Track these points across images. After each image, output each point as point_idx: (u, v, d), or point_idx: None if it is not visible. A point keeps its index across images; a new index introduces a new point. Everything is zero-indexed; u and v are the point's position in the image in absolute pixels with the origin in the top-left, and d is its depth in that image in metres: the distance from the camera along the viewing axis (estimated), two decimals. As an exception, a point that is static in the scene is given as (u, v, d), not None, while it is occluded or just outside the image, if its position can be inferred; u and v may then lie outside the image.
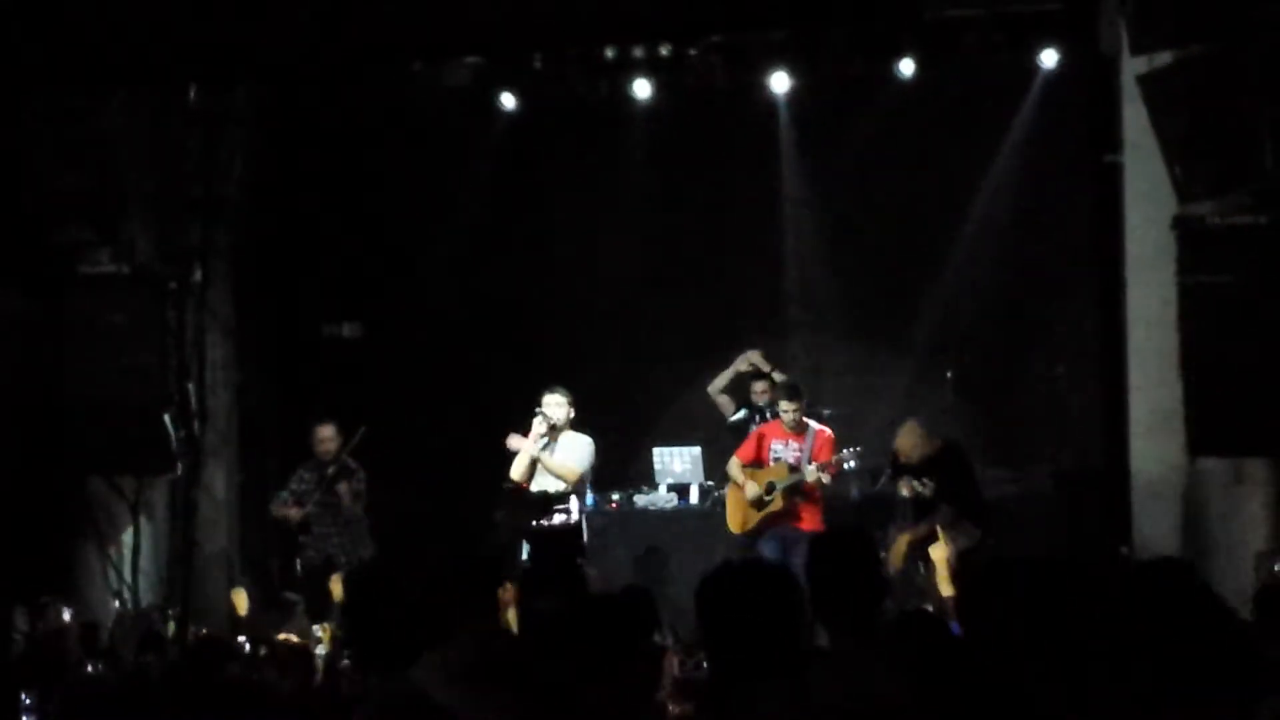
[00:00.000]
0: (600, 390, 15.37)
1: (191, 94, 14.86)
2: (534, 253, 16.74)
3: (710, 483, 15.33)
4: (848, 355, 16.21)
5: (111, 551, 14.63)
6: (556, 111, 16.07)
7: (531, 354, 16.22)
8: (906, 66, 14.92)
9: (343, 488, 14.44)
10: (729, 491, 14.14)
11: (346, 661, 9.83)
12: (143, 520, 14.73)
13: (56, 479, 14.37)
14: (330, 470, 14.55)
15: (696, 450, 15.64)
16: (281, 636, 12.42)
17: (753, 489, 13.70)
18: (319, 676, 9.97)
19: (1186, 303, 12.19)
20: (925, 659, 5.25)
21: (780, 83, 15.43)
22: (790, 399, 13.83)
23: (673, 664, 10.31)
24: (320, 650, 12.09)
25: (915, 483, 13.62)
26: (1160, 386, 12.88)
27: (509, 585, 13.28)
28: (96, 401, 14.05)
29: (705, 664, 6.11)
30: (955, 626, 5.56)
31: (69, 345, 14.18)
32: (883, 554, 13.20)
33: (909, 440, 13.77)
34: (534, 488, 13.31)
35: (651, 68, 15.45)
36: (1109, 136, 13.85)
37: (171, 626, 13.62)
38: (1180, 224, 12.25)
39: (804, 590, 5.18)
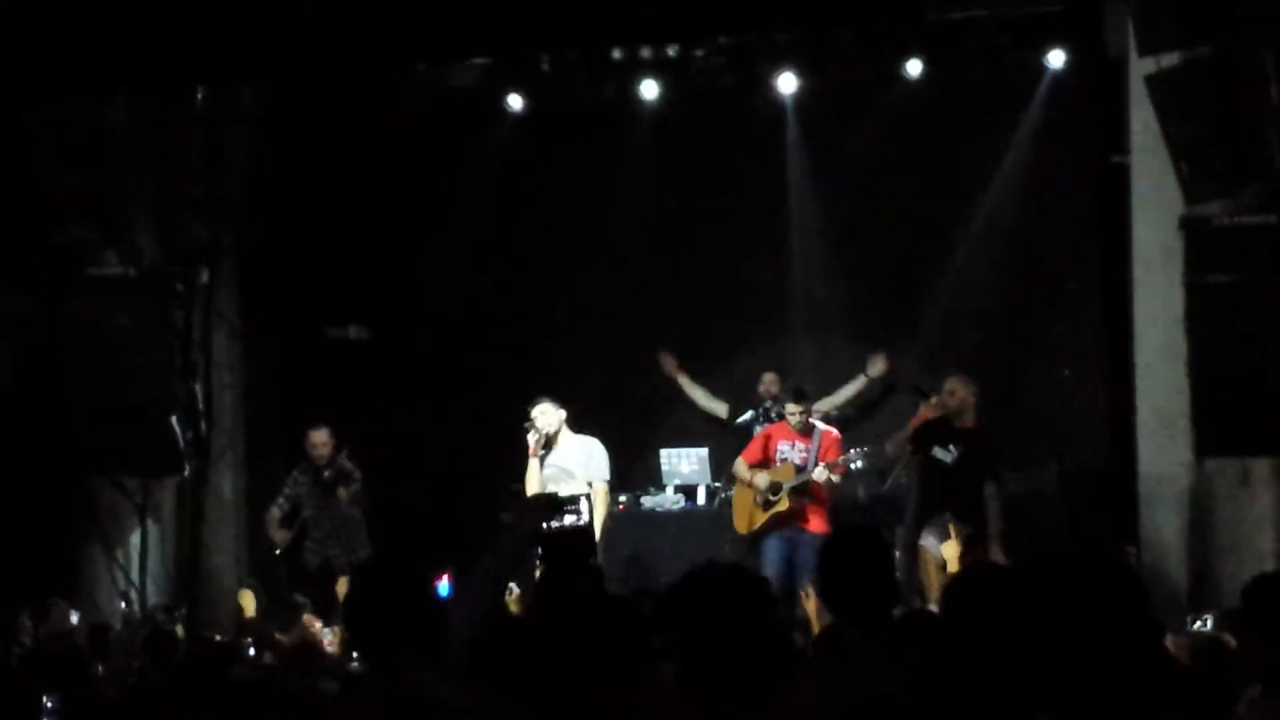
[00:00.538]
0: (606, 391, 15.38)
1: (197, 94, 14.87)
2: (539, 254, 16.73)
3: (717, 484, 15.33)
4: (852, 356, 16.18)
5: (118, 553, 14.65)
6: (563, 113, 16.06)
7: (537, 355, 16.22)
8: (913, 68, 14.92)
9: (341, 492, 14.45)
10: (735, 492, 14.15)
11: (355, 664, 9.83)
12: (149, 522, 14.75)
13: (63, 480, 14.40)
14: (327, 474, 14.56)
15: (704, 451, 15.65)
16: (287, 638, 12.42)
17: (763, 479, 13.65)
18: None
19: (1193, 303, 12.19)
20: (927, 659, 5.26)
21: (787, 84, 15.44)
22: (797, 401, 13.82)
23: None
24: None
25: (938, 439, 13.53)
26: (1167, 387, 12.88)
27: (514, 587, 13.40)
28: (102, 403, 14.07)
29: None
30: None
31: (75, 346, 14.21)
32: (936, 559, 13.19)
33: (965, 395, 13.58)
34: (561, 486, 13.28)
35: (658, 69, 15.46)
36: (1116, 137, 13.82)
37: (179, 628, 13.61)
38: (1187, 224, 12.25)
39: (774, 594, 5.12)
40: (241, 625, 13.82)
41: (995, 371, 15.17)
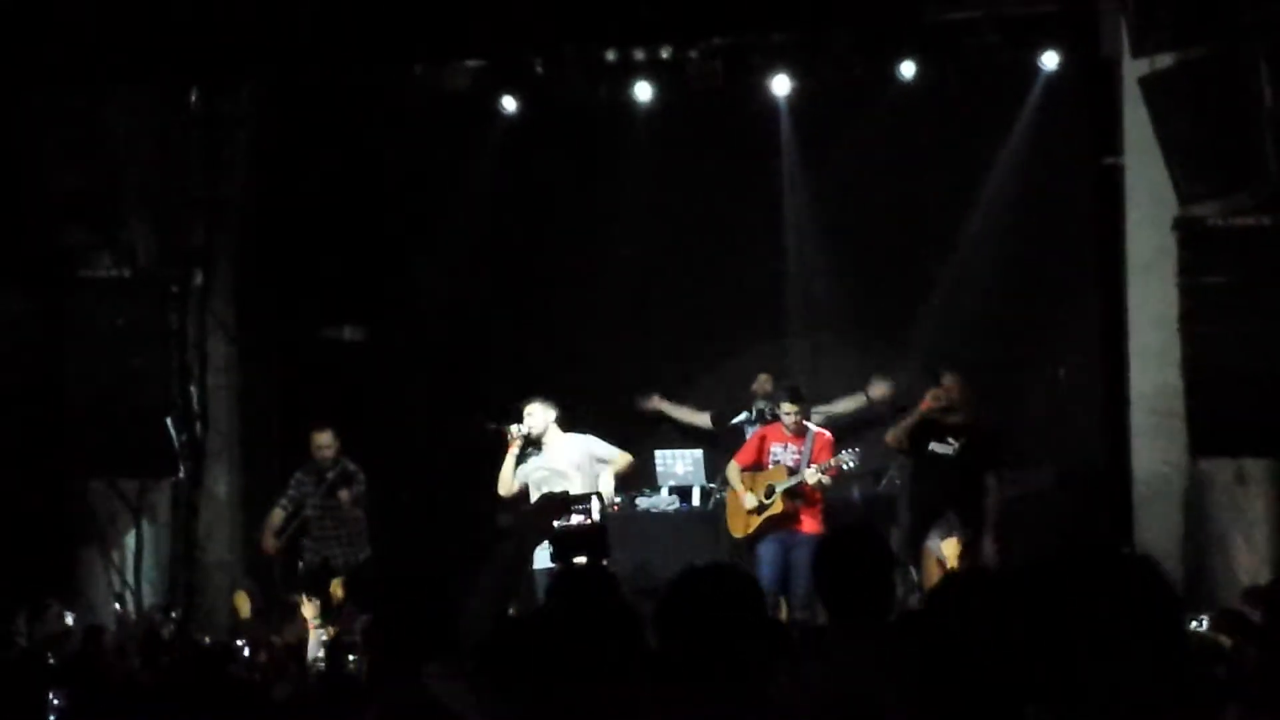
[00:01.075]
0: (602, 392, 15.38)
1: (193, 96, 14.88)
2: (535, 255, 16.74)
3: (712, 485, 15.34)
4: (848, 357, 16.20)
5: (114, 554, 14.65)
6: (557, 114, 16.07)
7: (531, 357, 16.22)
8: (907, 69, 14.94)
9: (343, 494, 14.45)
10: (729, 496, 14.14)
11: (352, 664, 9.84)
12: (145, 523, 14.75)
13: (58, 482, 14.40)
14: (330, 475, 14.55)
15: (698, 453, 15.67)
16: (282, 638, 12.44)
17: (751, 500, 13.67)
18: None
19: (1187, 304, 12.20)
20: (925, 657, 5.27)
21: (781, 85, 15.46)
22: (793, 401, 13.82)
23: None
24: (321, 654, 12.11)
25: (936, 435, 13.55)
26: (1162, 387, 12.90)
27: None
28: (98, 405, 14.08)
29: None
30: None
31: (70, 348, 14.21)
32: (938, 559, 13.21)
33: (959, 391, 13.62)
34: (554, 488, 13.24)
35: (652, 70, 15.47)
36: (1110, 138, 13.86)
37: (174, 629, 13.62)
38: (1181, 225, 12.26)
39: (761, 592, 5.15)
40: (237, 626, 13.85)
41: (991, 372, 15.17)
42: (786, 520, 13.58)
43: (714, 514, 14.84)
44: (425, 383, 16.56)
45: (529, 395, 13.43)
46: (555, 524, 7.91)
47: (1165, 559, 12.76)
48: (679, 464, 15.70)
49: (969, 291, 15.76)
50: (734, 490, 13.91)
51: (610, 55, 15.37)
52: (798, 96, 15.65)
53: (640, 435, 16.10)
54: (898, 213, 15.84)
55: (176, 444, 14.32)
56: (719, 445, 15.43)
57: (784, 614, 12.83)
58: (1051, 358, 15.39)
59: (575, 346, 16.37)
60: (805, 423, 13.79)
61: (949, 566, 13.10)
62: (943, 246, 15.84)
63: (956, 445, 13.45)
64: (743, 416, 15.24)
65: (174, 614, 14.19)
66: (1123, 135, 13.44)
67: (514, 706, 5.16)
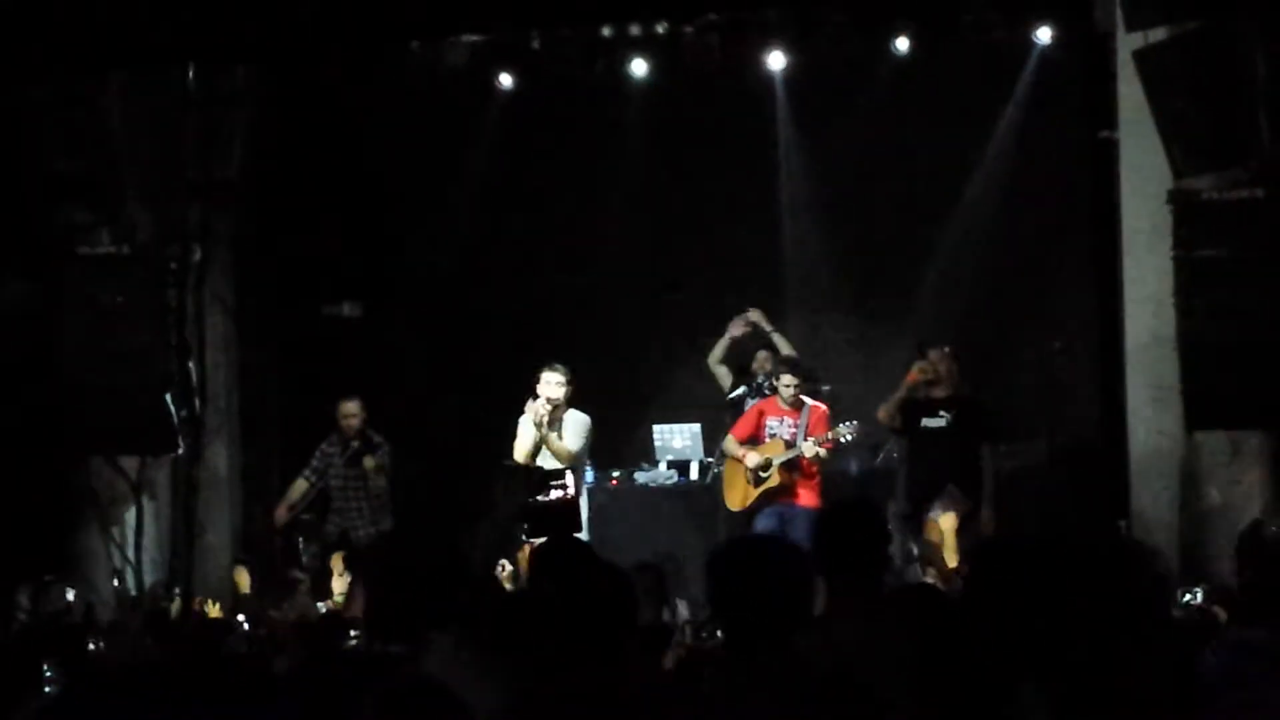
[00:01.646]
0: (599, 367, 15.41)
1: (190, 75, 14.88)
2: (532, 231, 16.76)
3: (710, 459, 15.38)
4: (845, 332, 16.24)
5: (114, 531, 14.68)
6: (554, 90, 16.08)
7: (530, 332, 16.23)
8: (902, 44, 14.97)
9: (368, 460, 14.51)
10: (726, 468, 14.18)
11: (354, 638, 9.88)
12: (145, 500, 14.77)
13: (58, 460, 14.42)
14: (355, 444, 14.62)
15: (696, 427, 15.71)
16: (282, 614, 12.48)
17: (754, 458, 13.68)
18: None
19: (1182, 277, 12.23)
20: (923, 630, 5.32)
21: (777, 61, 15.48)
22: (793, 372, 13.84)
23: (685, 635, 10.39)
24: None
25: (927, 409, 13.61)
26: (1156, 361, 12.92)
27: (507, 564, 13.44)
28: (97, 382, 14.09)
29: (719, 634, 6.22)
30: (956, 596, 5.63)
31: (69, 326, 14.22)
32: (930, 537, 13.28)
33: (943, 365, 13.68)
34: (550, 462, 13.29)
35: (648, 46, 15.49)
36: (1104, 113, 13.86)
37: (175, 605, 13.67)
38: (1176, 199, 12.28)
39: (809, 563, 5.27)
40: (237, 602, 13.89)
41: (986, 346, 15.23)
42: (783, 493, 13.63)
43: (712, 488, 14.88)
44: (423, 359, 16.59)
45: (544, 363, 13.38)
46: (531, 499, 7.98)
47: (1161, 532, 12.84)
48: (676, 438, 15.74)
49: (965, 266, 15.80)
50: (734, 457, 13.93)
51: (606, 31, 15.38)
52: (793, 72, 15.67)
53: (639, 408, 16.17)
54: (893, 188, 15.88)
55: (176, 420, 14.33)
56: (716, 419, 15.45)
57: None
58: (1047, 332, 15.42)
59: (571, 322, 16.39)
60: (802, 396, 13.83)
61: (947, 540, 13.19)
62: (938, 222, 15.87)
63: (948, 417, 13.53)
64: (741, 391, 15.27)
65: (175, 590, 14.22)
66: (1117, 109, 13.44)
67: (515, 681, 5.20)
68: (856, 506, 6.71)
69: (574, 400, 13.38)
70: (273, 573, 15.14)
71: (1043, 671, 4.42)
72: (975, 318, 15.53)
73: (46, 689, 6.90)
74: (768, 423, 13.83)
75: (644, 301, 16.59)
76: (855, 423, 13.63)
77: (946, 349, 13.86)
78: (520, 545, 12.81)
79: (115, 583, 14.46)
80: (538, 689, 5.12)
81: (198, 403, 14.69)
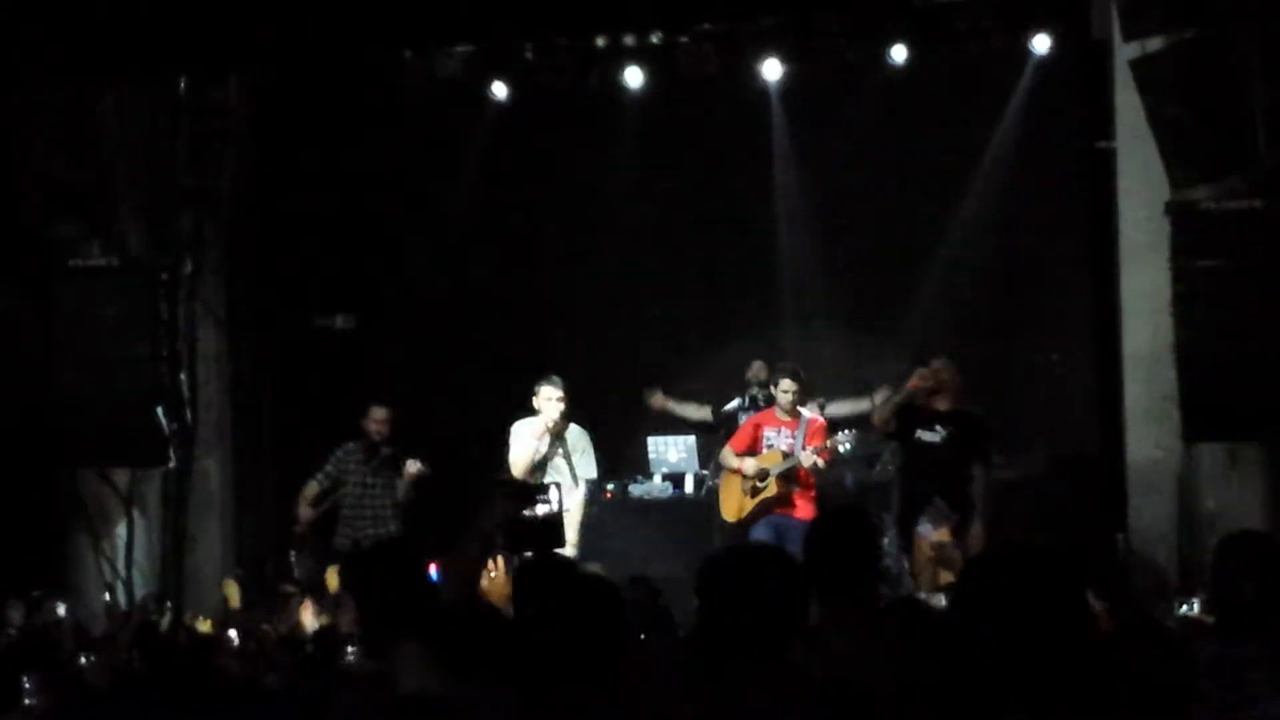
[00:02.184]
0: (594, 379, 15.36)
1: (182, 85, 14.84)
2: (526, 242, 16.73)
3: (705, 471, 15.33)
4: (841, 343, 16.19)
5: (105, 544, 14.62)
6: (548, 100, 16.03)
7: (523, 344, 16.20)
8: (898, 53, 14.91)
9: (411, 466, 14.39)
10: (723, 480, 14.15)
11: (350, 654, 9.80)
12: (135, 513, 14.73)
13: (49, 472, 14.37)
14: (385, 450, 14.54)
15: (691, 439, 15.66)
16: (273, 628, 12.40)
17: (751, 465, 13.63)
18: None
19: (1180, 288, 12.18)
20: (911, 643, 5.27)
21: (772, 70, 15.43)
22: (793, 379, 13.77)
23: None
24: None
25: (924, 423, 13.55)
26: (1154, 372, 12.89)
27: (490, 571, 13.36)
28: (88, 394, 14.04)
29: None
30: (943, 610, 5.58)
31: (60, 338, 14.16)
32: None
33: (947, 375, 13.60)
34: (548, 476, 13.24)
35: (643, 56, 15.44)
36: (1101, 122, 13.84)
37: (165, 619, 13.59)
38: (1173, 209, 12.23)
39: (802, 574, 5.22)
40: (227, 615, 13.81)
41: (984, 357, 15.17)
42: (780, 504, 13.58)
43: (707, 501, 14.83)
44: (416, 371, 16.53)
45: (542, 378, 13.37)
46: (515, 513, 7.94)
47: (1158, 543, 12.81)
48: (672, 451, 15.69)
49: (962, 276, 15.76)
50: (730, 468, 13.89)
51: (601, 41, 15.33)
52: (789, 81, 15.62)
53: (633, 421, 16.11)
54: (889, 198, 15.83)
55: (166, 432, 14.29)
56: (713, 432, 15.41)
57: None
58: (1044, 342, 15.39)
59: (566, 334, 16.35)
60: (799, 407, 13.79)
61: (939, 554, 13.12)
62: (935, 231, 15.83)
63: (944, 433, 13.42)
64: (736, 403, 15.22)
65: (166, 603, 14.15)
66: (1114, 119, 13.42)
67: (498, 695, 5.14)
68: (846, 516, 6.65)
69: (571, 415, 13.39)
70: (264, 586, 15.07)
71: (1031, 694, 4.34)
72: (972, 328, 15.49)
73: (27, 701, 6.85)
74: (765, 434, 13.78)
75: (638, 312, 16.53)
76: (854, 431, 13.56)
77: (948, 360, 13.76)
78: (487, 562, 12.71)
79: (106, 596, 14.40)
80: (530, 707, 5.06)
81: (189, 415, 14.65)
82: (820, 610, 5.87)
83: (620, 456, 15.84)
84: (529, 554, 8.79)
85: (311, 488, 14.73)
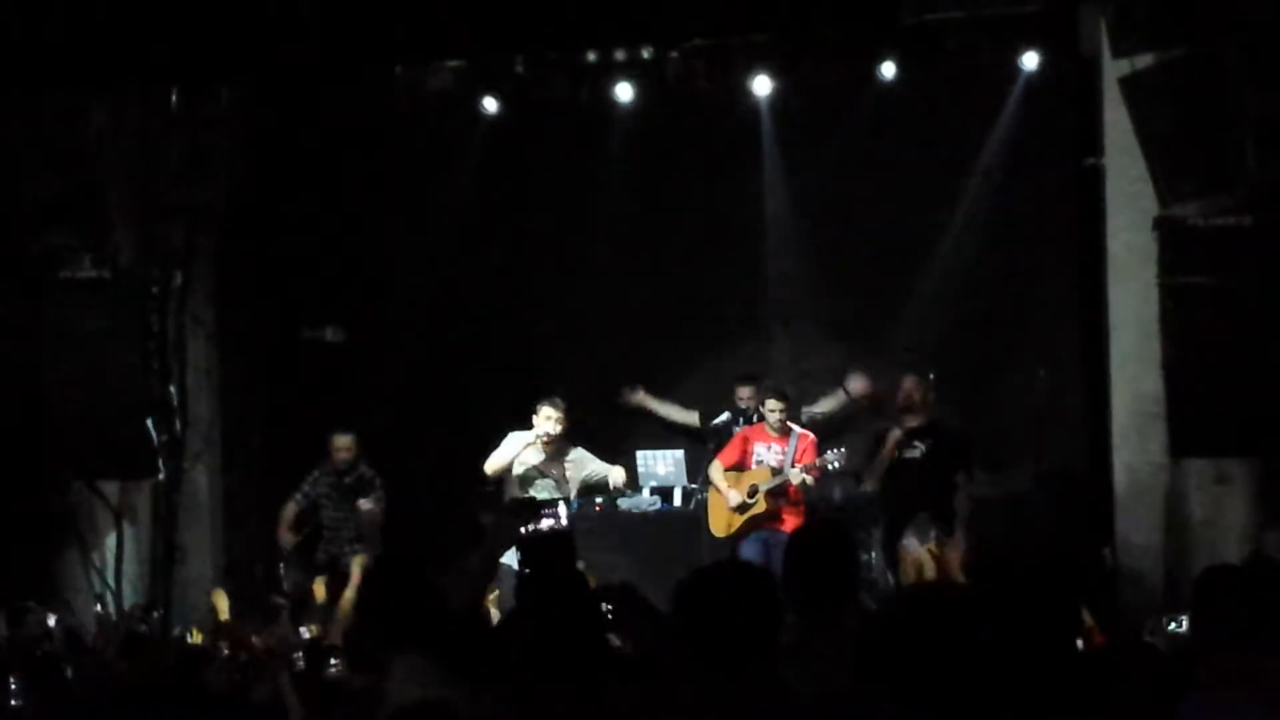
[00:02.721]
0: (583, 393, 15.37)
1: (173, 97, 14.85)
2: (516, 256, 16.72)
3: (693, 485, 15.31)
4: (829, 357, 16.18)
5: (95, 555, 14.62)
6: (538, 115, 16.06)
7: (514, 358, 16.21)
8: (888, 69, 14.96)
9: (364, 504, 14.52)
10: (711, 494, 14.16)
11: (334, 667, 9.81)
12: (125, 524, 14.72)
13: (39, 484, 14.36)
14: (348, 480, 14.63)
15: (679, 453, 15.62)
16: (262, 640, 12.41)
17: (735, 496, 13.70)
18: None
19: (1168, 304, 12.22)
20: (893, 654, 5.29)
21: (762, 86, 15.45)
22: (779, 399, 13.83)
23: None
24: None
25: (902, 435, 13.61)
26: (1142, 387, 12.92)
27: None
28: (78, 406, 14.05)
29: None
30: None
31: (50, 350, 14.17)
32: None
33: (915, 392, 13.72)
34: (540, 492, 13.29)
35: (633, 71, 15.47)
36: (1090, 139, 13.88)
37: (155, 629, 13.60)
38: (1161, 225, 12.27)
39: (775, 590, 5.23)
40: (216, 627, 13.81)
41: (971, 372, 15.21)
42: (769, 519, 13.62)
43: (695, 514, 14.80)
44: (406, 384, 16.53)
45: (544, 397, 13.47)
46: (524, 529, 7.92)
47: (1145, 558, 12.83)
48: (660, 464, 15.65)
49: (950, 291, 15.75)
50: (717, 488, 13.92)
51: (591, 56, 15.37)
52: (778, 97, 15.64)
53: (622, 434, 16.09)
54: (878, 213, 15.81)
55: (156, 444, 14.30)
56: (701, 445, 15.41)
57: None
58: (1032, 358, 15.38)
59: (556, 347, 16.35)
60: (789, 423, 13.81)
61: (927, 573, 13.16)
62: (924, 246, 15.82)
63: (923, 448, 13.53)
64: (726, 416, 15.22)
65: (155, 614, 14.15)
66: (1103, 135, 13.46)
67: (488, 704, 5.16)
68: (821, 530, 6.68)
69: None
70: (254, 598, 15.08)
71: (1022, 703, 4.36)
72: (960, 343, 15.50)
73: (13, 702, 6.87)
74: (755, 448, 13.81)
75: (627, 326, 16.53)
76: (843, 450, 13.61)
77: (919, 377, 13.89)
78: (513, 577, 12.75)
79: (96, 607, 14.40)
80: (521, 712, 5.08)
81: (179, 427, 14.66)
82: (799, 624, 5.89)
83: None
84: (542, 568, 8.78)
85: (289, 509, 14.82)
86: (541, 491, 13.26)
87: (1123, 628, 11.71)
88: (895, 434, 13.72)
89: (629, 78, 15.52)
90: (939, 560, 13.16)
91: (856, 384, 15.46)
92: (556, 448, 13.47)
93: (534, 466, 13.50)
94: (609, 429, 15.93)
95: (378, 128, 16.29)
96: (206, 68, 14.37)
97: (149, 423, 14.24)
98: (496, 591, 13.25)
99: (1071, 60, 14.36)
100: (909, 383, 13.80)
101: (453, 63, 15.38)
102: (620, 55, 15.31)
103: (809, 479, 13.54)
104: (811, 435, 13.88)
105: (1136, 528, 13.19)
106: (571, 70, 15.46)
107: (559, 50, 15.10)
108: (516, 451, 13.38)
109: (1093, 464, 14.18)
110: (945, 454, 13.53)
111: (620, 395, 16.26)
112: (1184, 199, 12.27)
